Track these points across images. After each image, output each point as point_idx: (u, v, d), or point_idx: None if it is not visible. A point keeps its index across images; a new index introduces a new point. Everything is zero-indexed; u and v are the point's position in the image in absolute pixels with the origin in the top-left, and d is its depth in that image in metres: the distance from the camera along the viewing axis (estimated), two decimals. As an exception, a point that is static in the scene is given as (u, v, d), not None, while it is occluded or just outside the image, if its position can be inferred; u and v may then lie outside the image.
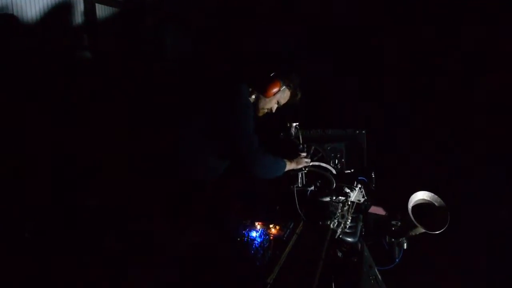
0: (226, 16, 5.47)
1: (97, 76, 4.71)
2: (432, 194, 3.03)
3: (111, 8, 5.21)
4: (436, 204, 3.02)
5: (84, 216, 2.97)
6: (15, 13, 4.16)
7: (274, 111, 2.95)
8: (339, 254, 2.72)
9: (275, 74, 2.79)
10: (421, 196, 3.03)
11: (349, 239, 2.94)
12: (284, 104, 2.97)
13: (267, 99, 2.84)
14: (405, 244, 3.29)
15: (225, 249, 2.16)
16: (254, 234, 2.25)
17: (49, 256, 2.66)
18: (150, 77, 4.99)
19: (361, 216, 3.25)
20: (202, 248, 2.13)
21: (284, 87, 2.84)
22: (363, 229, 3.30)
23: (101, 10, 5.13)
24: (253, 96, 2.83)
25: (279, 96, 2.86)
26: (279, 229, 2.36)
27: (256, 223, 2.38)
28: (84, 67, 4.77)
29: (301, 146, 3.22)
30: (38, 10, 4.41)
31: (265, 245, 2.17)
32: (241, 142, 2.59)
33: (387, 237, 3.35)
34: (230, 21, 5.43)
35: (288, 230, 2.36)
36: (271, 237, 2.29)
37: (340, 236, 2.89)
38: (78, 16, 4.86)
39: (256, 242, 2.19)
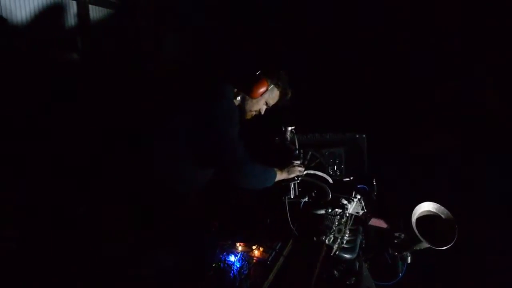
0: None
1: (91, 78, 4.38)
2: (439, 205, 2.59)
3: (105, 9, 4.86)
4: (443, 216, 2.58)
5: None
6: (4, 15, 3.84)
7: (263, 113, 2.55)
8: (336, 273, 2.30)
9: (261, 72, 2.38)
10: (426, 207, 2.60)
11: (346, 256, 2.49)
12: (273, 105, 2.56)
13: (254, 100, 2.44)
14: (409, 258, 2.85)
15: (195, 278, 1.73)
16: (232, 258, 1.80)
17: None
18: (143, 80, 4.63)
19: (360, 229, 2.81)
20: (167, 275, 1.71)
21: (272, 86, 2.44)
22: (363, 242, 2.87)
23: (95, 12, 4.77)
24: (239, 98, 2.42)
25: (267, 96, 2.46)
26: (263, 251, 1.93)
27: (238, 244, 1.95)
28: (77, 69, 4.45)
29: (297, 151, 2.84)
30: (29, 12, 4.11)
31: (245, 272, 1.73)
32: (224, 150, 2.20)
33: (389, 249, 2.90)
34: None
35: (274, 252, 1.92)
36: (255, 261, 1.85)
37: (337, 253, 2.44)
38: (71, 18, 4.53)
39: (234, 268, 1.75)
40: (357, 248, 2.60)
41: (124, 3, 5.01)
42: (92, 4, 4.73)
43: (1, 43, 3.74)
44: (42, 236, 2.86)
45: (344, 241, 2.51)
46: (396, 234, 2.83)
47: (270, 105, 2.53)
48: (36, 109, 3.72)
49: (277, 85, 2.46)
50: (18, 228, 3.02)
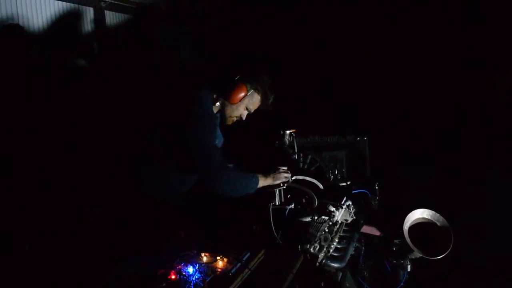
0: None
1: (107, 83, 4.42)
2: (434, 212, 2.43)
3: (121, 15, 4.91)
4: (438, 224, 2.41)
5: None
6: (21, 23, 3.93)
7: (244, 118, 2.47)
8: (322, 284, 2.19)
9: (240, 77, 2.30)
10: (419, 214, 2.44)
11: (334, 265, 2.35)
12: (256, 110, 2.47)
13: (234, 106, 2.37)
14: (408, 267, 2.68)
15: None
16: (190, 270, 1.74)
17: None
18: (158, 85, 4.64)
19: (356, 236, 2.67)
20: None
21: (251, 91, 2.35)
22: (363, 249, 2.73)
23: (111, 17, 4.82)
24: (218, 104, 2.35)
25: (246, 101, 2.39)
26: (227, 262, 1.84)
27: (203, 254, 1.88)
28: (94, 75, 4.50)
29: (295, 155, 2.76)
30: (46, 19, 4.17)
31: (201, 284, 1.67)
32: (199, 156, 2.17)
33: (388, 257, 2.76)
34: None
35: (239, 264, 1.83)
36: (218, 273, 1.78)
37: (323, 262, 2.32)
38: (88, 24, 4.57)
39: (192, 280, 1.69)
40: (347, 256, 2.47)
41: (140, 9, 5.04)
42: (108, 10, 4.78)
43: (19, 51, 3.81)
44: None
45: (331, 250, 2.39)
46: (396, 241, 2.69)
47: (251, 110, 2.44)
48: (52, 114, 3.77)
49: (256, 90, 2.37)
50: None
